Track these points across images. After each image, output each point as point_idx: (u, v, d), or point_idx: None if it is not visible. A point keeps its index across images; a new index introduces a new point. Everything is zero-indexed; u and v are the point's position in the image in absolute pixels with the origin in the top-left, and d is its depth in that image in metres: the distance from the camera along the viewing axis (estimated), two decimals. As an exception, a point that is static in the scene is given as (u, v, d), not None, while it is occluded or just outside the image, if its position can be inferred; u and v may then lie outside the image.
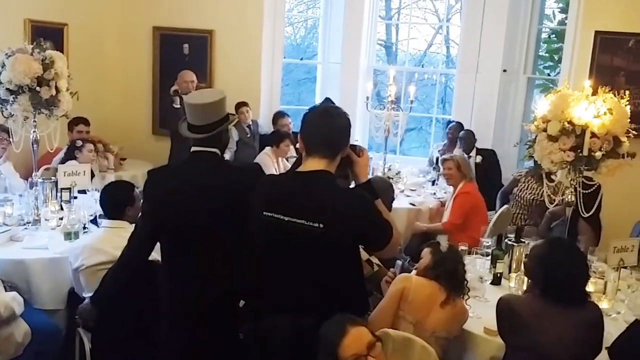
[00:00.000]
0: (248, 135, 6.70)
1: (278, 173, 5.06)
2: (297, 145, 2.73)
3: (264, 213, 2.42)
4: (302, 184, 2.41)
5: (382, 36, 12.14)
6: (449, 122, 7.46)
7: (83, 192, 4.75)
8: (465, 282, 3.14)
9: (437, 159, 7.01)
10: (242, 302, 2.82)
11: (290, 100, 9.62)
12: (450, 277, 3.04)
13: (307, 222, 2.32)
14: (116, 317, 3.37)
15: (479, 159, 6.71)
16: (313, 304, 2.39)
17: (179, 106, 6.09)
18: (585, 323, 2.72)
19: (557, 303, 2.70)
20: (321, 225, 2.30)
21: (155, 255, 3.58)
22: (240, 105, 6.67)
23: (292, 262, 2.41)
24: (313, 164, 2.42)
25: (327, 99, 6.85)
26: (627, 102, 3.63)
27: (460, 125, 7.12)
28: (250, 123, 6.77)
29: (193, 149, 2.77)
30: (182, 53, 7.02)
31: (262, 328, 2.49)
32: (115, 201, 3.67)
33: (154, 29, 7.02)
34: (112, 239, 3.55)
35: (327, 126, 2.43)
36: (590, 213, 3.85)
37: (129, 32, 7.07)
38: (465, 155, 6.18)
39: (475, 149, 6.76)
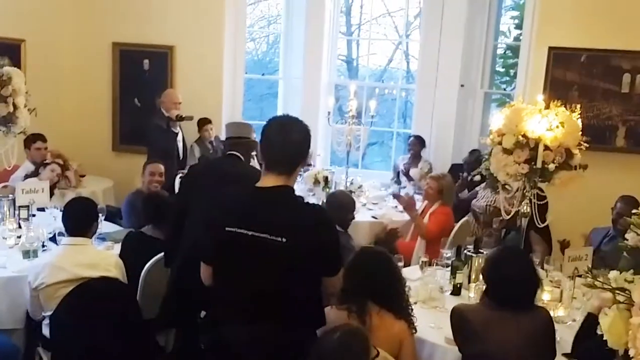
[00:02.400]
0: (211, 152, 6.71)
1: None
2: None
3: (227, 228, 2.43)
4: (264, 199, 2.44)
5: (343, 51, 12.28)
6: (409, 136, 7.57)
7: (42, 209, 4.69)
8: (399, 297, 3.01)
9: (402, 171, 7.11)
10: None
11: (253, 115, 9.63)
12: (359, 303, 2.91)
13: (270, 237, 2.35)
14: (74, 336, 3.33)
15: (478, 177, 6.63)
16: (271, 316, 2.41)
17: (177, 131, 6.24)
18: (534, 328, 2.78)
19: (504, 309, 2.76)
20: (284, 240, 2.34)
21: (117, 272, 3.59)
22: (204, 122, 6.69)
23: (254, 274, 2.42)
24: (272, 180, 2.45)
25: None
26: (579, 116, 3.76)
27: (419, 139, 7.23)
28: (213, 139, 6.78)
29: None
30: (142, 69, 6.98)
31: (219, 338, 2.51)
32: (81, 218, 3.64)
33: (114, 44, 6.98)
34: (73, 256, 3.52)
35: (284, 143, 2.44)
36: (545, 224, 3.97)
37: (88, 47, 7.00)
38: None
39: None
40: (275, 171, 2.45)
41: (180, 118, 6.16)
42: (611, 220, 4.63)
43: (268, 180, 2.46)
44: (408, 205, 5.38)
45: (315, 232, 2.38)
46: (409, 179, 7.12)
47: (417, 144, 7.19)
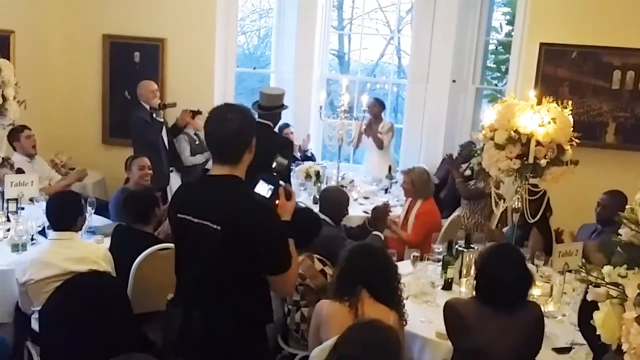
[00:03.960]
0: (197, 142, 6.68)
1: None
2: None
3: (178, 214, 2.52)
4: (210, 186, 2.52)
5: (335, 46, 12.25)
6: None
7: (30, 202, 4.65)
8: (394, 290, 3.02)
9: (362, 132, 6.96)
10: None
11: (244, 110, 9.58)
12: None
13: (210, 224, 2.40)
14: (64, 330, 3.31)
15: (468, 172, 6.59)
16: (217, 303, 2.46)
17: (162, 120, 6.20)
18: (526, 323, 2.80)
19: (495, 306, 2.78)
20: (218, 227, 2.38)
21: (106, 265, 3.57)
22: (195, 114, 6.62)
23: (198, 260, 2.48)
24: (219, 169, 2.48)
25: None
26: (570, 112, 3.78)
27: (378, 102, 7.19)
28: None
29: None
30: (132, 61, 6.92)
31: (177, 320, 2.58)
32: (64, 212, 3.61)
33: (104, 36, 6.92)
34: (60, 251, 3.50)
35: (222, 133, 2.44)
36: (536, 219, 3.98)
37: (78, 39, 6.94)
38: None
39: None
40: (218, 161, 2.48)
41: (163, 106, 6.14)
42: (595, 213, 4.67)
43: (215, 169, 2.50)
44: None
45: (250, 224, 2.36)
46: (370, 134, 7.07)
47: (377, 105, 7.13)
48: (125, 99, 6.78)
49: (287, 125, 7.22)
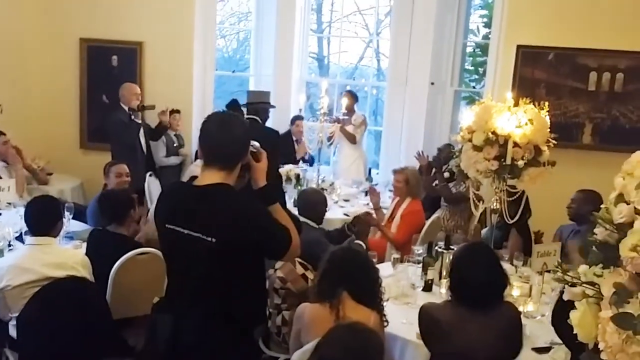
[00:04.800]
0: (175, 145, 6.64)
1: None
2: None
3: (166, 225, 2.48)
4: (200, 197, 2.42)
5: (314, 49, 12.28)
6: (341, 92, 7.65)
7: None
8: (375, 291, 3.02)
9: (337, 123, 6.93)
10: None
11: (223, 113, 9.55)
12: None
13: (202, 236, 2.36)
14: (42, 336, 3.27)
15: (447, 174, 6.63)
16: (208, 310, 2.44)
17: (140, 121, 6.20)
18: (502, 325, 2.81)
19: (470, 307, 2.78)
20: (213, 240, 2.34)
21: (84, 271, 3.53)
22: (172, 112, 6.59)
23: (189, 270, 2.46)
24: (211, 177, 2.43)
25: (234, 100, 6.95)
26: (547, 113, 3.82)
27: (351, 94, 7.28)
28: (181, 133, 6.73)
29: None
30: (110, 65, 6.87)
31: (154, 322, 2.58)
32: (43, 217, 3.57)
33: (81, 40, 6.85)
34: (39, 256, 3.46)
35: (224, 138, 2.42)
36: (515, 219, 4.02)
37: (56, 43, 6.87)
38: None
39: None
40: (216, 166, 2.43)
41: (142, 108, 6.13)
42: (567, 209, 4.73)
43: (208, 177, 2.44)
44: (374, 206, 5.53)
45: (247, 234, 2.36)
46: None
47: (350, 96, 7.16)
48: (104, 103, 6.73)
49: (299, 118, 7.27)
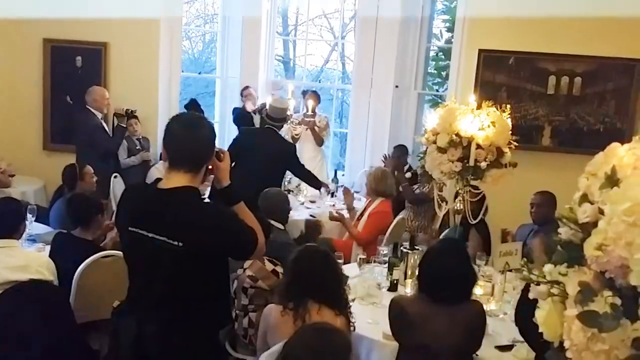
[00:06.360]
0: (137, 147, 6.57)
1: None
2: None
3: (129, 228, 2.43)
4: (165, 200, 2.38)
5: (280, 52, 12.28)
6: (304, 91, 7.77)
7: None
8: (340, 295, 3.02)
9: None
10: None
11: (189, 115, 9.49)
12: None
13: (167, 240, 2.33)
14: (5, 340, 3.22)
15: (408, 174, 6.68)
16: (169, 313, 2.43)
17: (125, 125, 6.33)
18: (469, 320, 2.87)
19: (438, 301, 2.84)
20: (180, 244, 2.31)
21: (49, 274, 3.49)
22: (130, 117, 6.53)
23: (154, 275, 2.42)
24: (177, 179, 2.39)
25: (193, 100, 6.99)
26: (509, 116, 3.91)
27: (314, 94, 7.31)
28: (141, 138, 6.63)
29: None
30: (74, 66, 6.76)
31: (116, 327, 2.57)
32: (5, 219, 3.51)
33: (45, 40, 6.74)
34: (2, 259, 3.40)
35: (191, 140, 2.38)
36: (477, 219, 4.10)
37: (17, 43, 6.74)
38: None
39: (408, 165, 6.82)
40: (181, 169, 2.38)
41: (130, 113, 6.30)
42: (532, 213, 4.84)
43: (173, 179, 2.40)
44: (348, 207, 5.66)
45: (213, 235, 2.35)
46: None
47: (314, 97, 7.19)
48: (68, 104, 6.63)
49: (247, 87, 7.41)
